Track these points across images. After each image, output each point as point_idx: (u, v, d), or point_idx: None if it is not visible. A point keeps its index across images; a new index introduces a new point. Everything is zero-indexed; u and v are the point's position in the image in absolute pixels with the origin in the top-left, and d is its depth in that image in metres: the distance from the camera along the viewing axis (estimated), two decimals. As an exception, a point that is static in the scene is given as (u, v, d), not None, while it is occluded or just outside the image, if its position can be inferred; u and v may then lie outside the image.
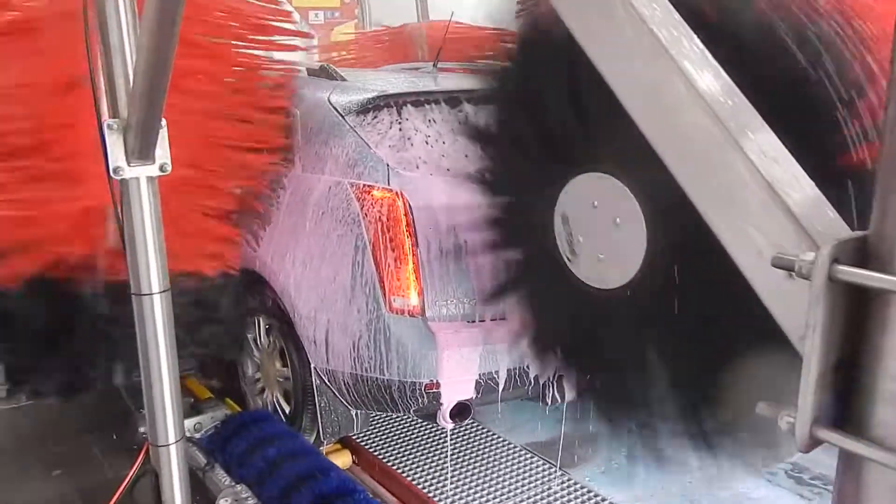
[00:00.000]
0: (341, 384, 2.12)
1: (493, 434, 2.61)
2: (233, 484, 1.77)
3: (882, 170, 0.63)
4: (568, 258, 1.48)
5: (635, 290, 1.32)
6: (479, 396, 2.02)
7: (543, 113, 1.48)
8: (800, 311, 0.64)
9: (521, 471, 2.39)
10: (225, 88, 2.08)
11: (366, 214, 2.04)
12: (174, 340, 1.43)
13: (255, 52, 2.16)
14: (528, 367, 2.01)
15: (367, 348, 2.02)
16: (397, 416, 2.73)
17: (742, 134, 0.70)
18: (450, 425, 2.06)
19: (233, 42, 2.12)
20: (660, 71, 0.72)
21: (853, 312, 0.64)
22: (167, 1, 1.10)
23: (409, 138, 2.18)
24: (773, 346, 0.70)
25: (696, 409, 1.24)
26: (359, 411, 2.27)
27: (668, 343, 1.27)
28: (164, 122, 1.32)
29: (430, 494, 2.25)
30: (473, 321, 2.04)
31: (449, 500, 2.23)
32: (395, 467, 2.41)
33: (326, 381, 2.16)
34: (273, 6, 2.23)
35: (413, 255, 2.01)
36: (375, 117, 2.24)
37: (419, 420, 2.67)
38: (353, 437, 2.50)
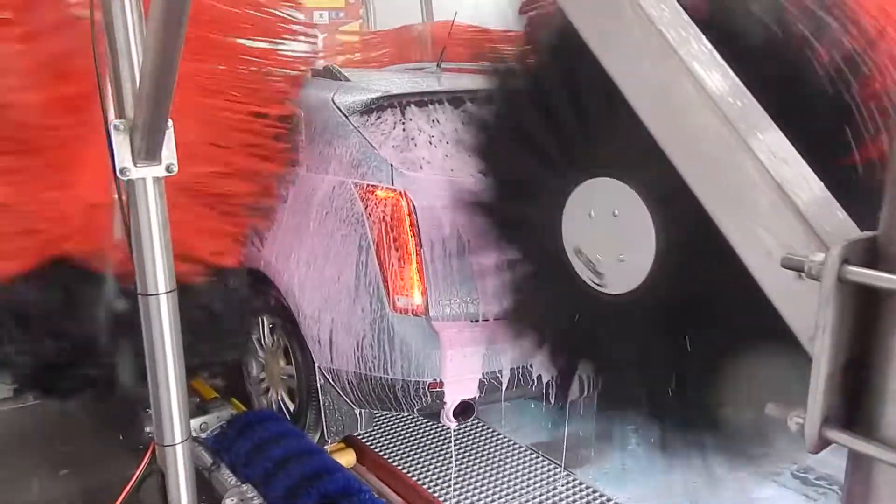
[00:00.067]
0: (345, 383, 2.12)
1: (498, 434, 2.62)
2: (239, 483, 1.77)
3: (892, 169, 0.63)
4: (596, 283, 1.43)
5: (651, 286, 1.31)
6: (482, 395, 2.02)
7: (555, 114, 1.47)
8: (809, 312, 0.64)
9: (525, 471, 2.39)
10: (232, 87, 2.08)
11: (370, 214, 2.05)
12: (180, 341, 1.43)
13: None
14: (531, 366, 2.01)
15: (370, 347, 2.03)
16: (401, 416, 2.74)
17: (751, 134, 0.70)
18: (453, 424, 2.07)
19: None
20: (668, 72, 0.72)
21: (863, 313, 0.64)
22: (173, 1, 1.10)
23: (412, 138, 2.19)
24: (782, 346, 0.70)
25: (708, 408, 1.24)
26: (363, 410, 2.27)
27: (682, 341, 1.27)
28: (170, 122, 1.32)
29: (435, 494, 2.26)
30: (477, 320, 2.05)
31: (453, 500, 2.23)
32: (399, 466, 2.41)
33: (330, 381, 2.17)
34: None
35: (417, 254, 2.01)
36: (379, 117, 2.25)
37: (423, 419, 2.68)
38: (357, 436, 2.50)
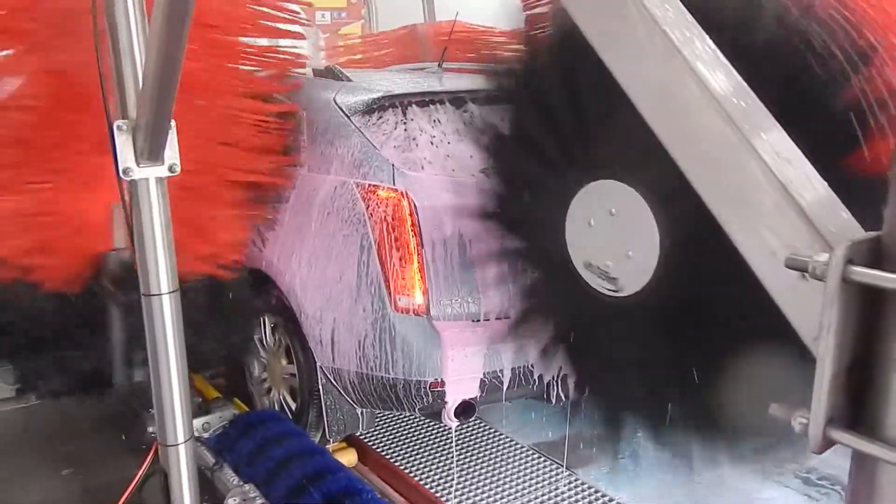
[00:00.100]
0: (347, 383, 2.12)
1: (500, 434, 2.62)
2: (241, 483, 1.77)
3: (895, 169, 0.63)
4: (612, 290, 1.41)
5: (658, 284, 1.30)
6: (483, 395, 2.02)
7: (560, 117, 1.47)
8: (813, 312, 0.64)
9: (527, 471, 2.39)
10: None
11: (371, 214, 2.05)
12: (183, 340, 1.43)
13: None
14: (531, 366, 2.02)
15: (372, 347, 2.03)
16: (402, 415, 2.74)
17: (755, 134, 0.70)
18: (454, 424, 2.07)
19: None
20: (672, 72, 0.72)
21: (867, 313, 0.64)
22: (176, 2, 1.10)
23: (413, 139, 2.19)
24: (785, 346, 0.70)
25: (713, 408, 1.24)
26: (364, 410, 2.27)
27: (685, 341, 1.27)
28: (173, 122, 1.32)
29: (437, 494, 2.26)
30: (478, 320, 2.05)
31: (455, 500, 2.23)
32: (400, 466, 2.41)
33: (332, 380, 2.17)
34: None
35: (418, 254, 2.01)
36: (381, 118, 2.25)
37: (424, 419, 2.68)
38: (359, 436, 2.50)
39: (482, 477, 2.36)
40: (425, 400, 2.01)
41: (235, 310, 2.17)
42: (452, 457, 2.44)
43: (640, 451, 1.66)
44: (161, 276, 1.38)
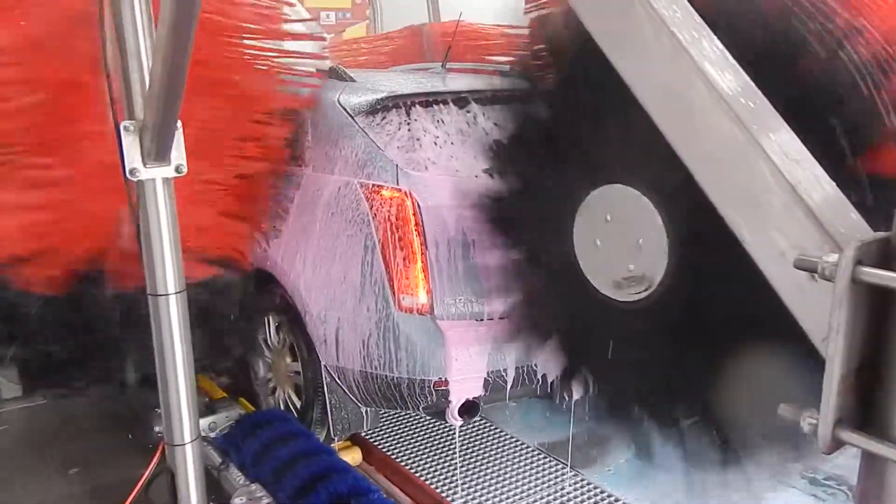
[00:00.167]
0: (351, 382, 2.13)
1: (506, 434, 2.62)
2: (247, 483, 1.78)
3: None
4: (646, 289, 1.36)
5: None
6: (487, 394, 2.03)
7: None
8: (822, 313, 0.64)
9: (533, 471, 2.39)
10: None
11: (375, 214, 2.05)
12: (190, 340, 1.44)
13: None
14: (535, 365, 2.02)
15: (376, 346, 2.03)
16: (407, 414, 2.74)
17: (764, 135, 0.70)
18: (458, 423, 2.07)
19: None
20: (680, 72, 0.73)
21: (876, 314, 0.64)
22: (183, 3, 1.10)
23: (417, 139, 2.19)
24: (796, 347, 0.70)
25: (717, 410, 1.24)
26: (368, 409, 2.28)
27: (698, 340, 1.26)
28: (179, 123, 1.33)
29: (441, 492, 2.26)
30: (482, 319, 2.05)
31: (460, 500, 2.23)
32: (404, 464, 2.42)
33: (336, 379, 2.17)
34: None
35: (422, 254, 2.02)
36: (384, 118, 2.25)
37: (428, 418, 2.68)
38: (363, 435, 2.51)
39: (487, 477, 2.36)
40: (429, 399, 2.02)
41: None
42: (456, 456, 2.45)
43: (646, 451, 1.66)
44: (168, 276, 1.39)
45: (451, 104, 2.31)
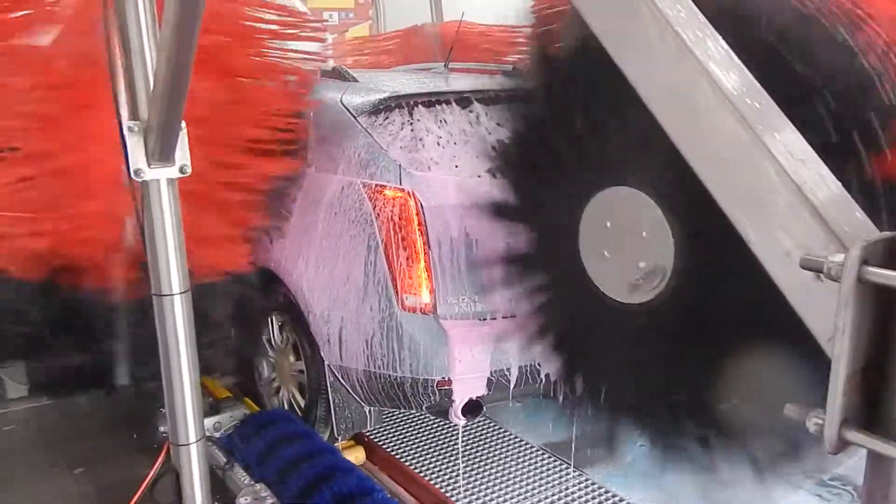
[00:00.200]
0: (355, 381, 2.13)
1: (509, 433, 2.62)
2: (252, 483, 1.79)
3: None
4: (662, 280, 1.39)
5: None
6: (490, 393, 2.03)
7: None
8: (828, 313, 0.64)
9: (537, 471, 2.39)
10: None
11: (378, 214, 2.05)
12: (194, 340, 1.44)
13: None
14: (539, 364, 2.02)
15: (380, 346, 2.04)
16: (410, 413, 2.74)
17: (769, 135, 0.70)
18: (462, 422, 2.08)
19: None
20: (685, 72, 0.72)
21: (882, 314, 0.64)
22: (187, 3, 1.10)
23: (420, 139, 2.19)
24: (800, 346, 0.70)
25: (725, 409, 1.23)
26: (372, 408, 2.28)
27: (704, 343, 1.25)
28: (183, 124, 1.33)
29: (444, 491, 2.26)
30: (485, 318, 2.05)
31: (463, 500, 2.24)
32: (408, 464, 2.42)
33: (340, 379, 2.18)
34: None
35: (425, 253, 2.02)
36: (387, 118, 2.25)
37: (432, 417, 2.68)
38: (367, 434, 2.51)
39: (491, 476, 2.36)
40: (432, 398, 2.02)
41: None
42: (458, 455, 2.45)
43: (652, 452, 1.66)
44: (172, 276, 1.39)
45: (453, 104, 2.31)
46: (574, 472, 2.36)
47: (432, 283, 2.02)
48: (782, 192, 0.69)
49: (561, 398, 2.08)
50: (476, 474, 2.38)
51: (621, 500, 2.22)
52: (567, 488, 2.28)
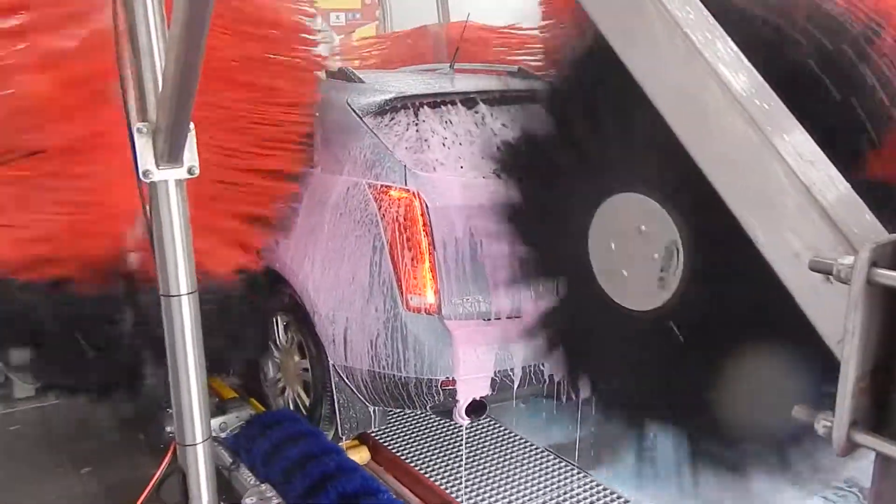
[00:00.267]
0: (359, 381, 2.13)
1: (514, 434, 2.62)
2: (258, 483, 1.79)
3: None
4: (672, 266, 1.35)
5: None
6: (494, 393, 2.03)
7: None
8: (837, 315, 0.64)
9: (541, 471, 2.39)
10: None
11: (383, 215, 2.06)
12: (201, 341, 1.45)
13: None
14: (542, 364, 2.02)
15: (384, 346, 2.04)
16: (414, 413, 2.75)
17: (778, 136, 0.70)
18: (465, 422, 2.08)
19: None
20: (694, 73, 0.73)
21: (891, 316, 0.64)
22: (196, 5, 1.11)
23: (425, 140, 2.19)
24: (809, 348, 0.70)
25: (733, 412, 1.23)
26: (376, 408, 2.28)
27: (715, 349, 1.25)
28: (192, 125, 1.34)
29: (449, 491, 2.26)
30: (489, 319, 2.05)
31: (466, 500, 2.24)
32: (412, 464, 2.42)
33: (345, 379, 2.18)
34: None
35: (430, 254, 2.02)
36: (393, 119, 2.25)
37: (436, 417, 2.69)
38: (371, 434, 2.52)
39: (495, 477, 2.36)
40: (437, 398, 2.02)
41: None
42: (462, 455, 2.45)
43: (657, 452, 1.65)
44: (180, 277, 1.40)
45: (459, 105, 2.31)
46: (579, 473, 2.36)
47: (437, 284, 2.02)
48: (791, 194, 0.69)
49: (564, 399, 2.08)
50: (480, 475, 2.37)
51: (626, 502, 2.22)
52: (572, 489, 2.27)
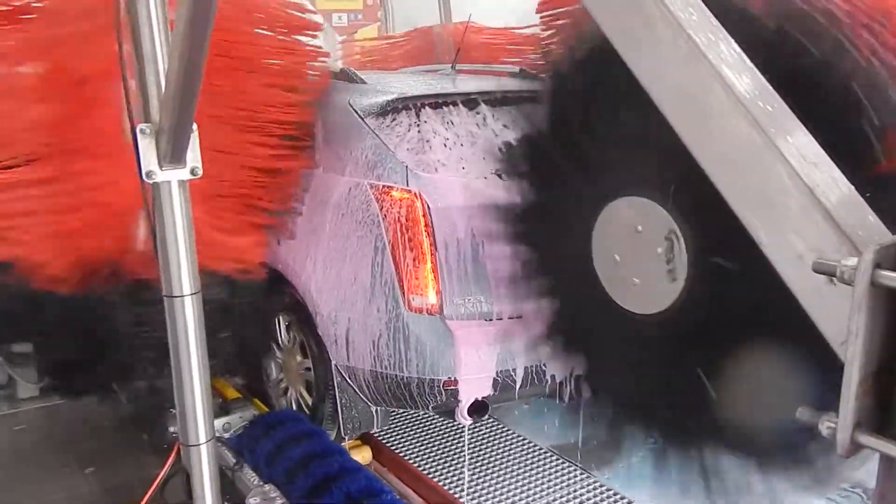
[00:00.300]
0: (362, 382, 2.14)
1: (516, 435, 2.62)
2: (261, 483, 1.79)
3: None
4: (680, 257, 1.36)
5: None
6: (496, 394, 2.03)
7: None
8: (840, 317, 0.64)
9: (544, 472, 2.39)
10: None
11: (385, 215, 2.06)
12: (205, 341, 1.45)
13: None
14: (544, 365, 2.02)
15: (386, 346, 2.04)
16: (416, 413, 2.75)
17: (781, 138, 0.70)
18: (468, 422, 2.08)
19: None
20: (698, 76, 0.73)
21: (894, 317, 0.64)
22: (199, 6, 1.11)
23: (427, 140, 2.20)
24: (813, 351, 0.70)
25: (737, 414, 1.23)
26: (378, 408, 2.29)
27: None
28: (195, 126, 1.34)
29: (451, 491, 2.27)
30: (491, 319, 2.05)
31: (473, 501, 2.24)
32: (415, 463, 2.43)
33: (347, 379, 2.19)
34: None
35: (431, 254, 2.02)
36: (394, 119, 2.26)
37: (438, 417, 2.69)
38: (374, 434, 2.52)
39: (498, 477, 2.36)
40: (439, 398, 2.03)
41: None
42: (464, 456, 2.45)
43: (659, 453, 1.66)
44: (183, 277, 1.40)
45: (460, 105, 2.31)
46: (582, 473, 2.36)
47: (439, 284, 2.02)
48: (795, 196, 0.69)
49: (567, 399, 2.08)
50: (482, 475, 2.38)
51: (629, 503, 2.22)
52: (574, 490, 2.28)
